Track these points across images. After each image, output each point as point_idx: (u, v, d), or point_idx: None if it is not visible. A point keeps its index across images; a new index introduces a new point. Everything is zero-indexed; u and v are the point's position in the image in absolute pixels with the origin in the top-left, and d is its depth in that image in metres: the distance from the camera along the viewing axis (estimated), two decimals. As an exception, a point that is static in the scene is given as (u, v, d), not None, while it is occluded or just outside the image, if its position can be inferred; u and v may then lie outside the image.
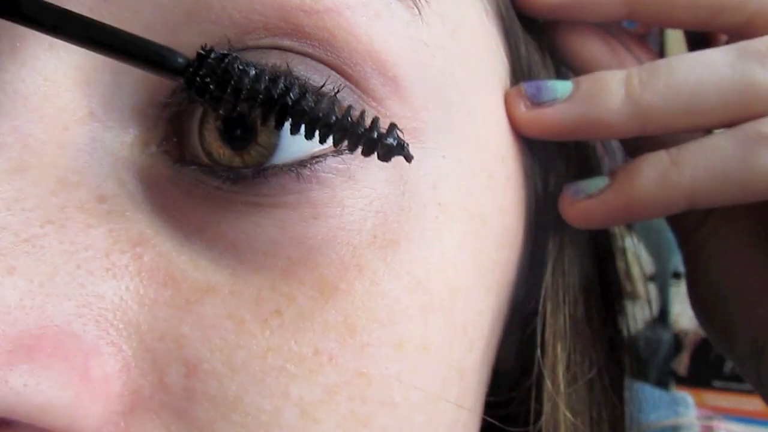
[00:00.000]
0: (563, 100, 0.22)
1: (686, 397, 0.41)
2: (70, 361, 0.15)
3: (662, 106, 0.21)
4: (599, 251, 0.26)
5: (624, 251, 0.29)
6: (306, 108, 0.15)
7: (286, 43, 0.17)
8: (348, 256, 0.17)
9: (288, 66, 0.16)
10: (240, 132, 0.17)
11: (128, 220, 0.16)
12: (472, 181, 0.20)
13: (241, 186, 0.16)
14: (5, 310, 0.14)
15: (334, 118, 0.15)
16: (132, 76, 0.16)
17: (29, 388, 0.14)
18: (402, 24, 0.18)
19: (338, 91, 0.17)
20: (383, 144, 0.15)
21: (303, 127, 0.15)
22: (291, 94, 0.15)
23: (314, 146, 0.17)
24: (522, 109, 0.22)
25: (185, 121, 0.17)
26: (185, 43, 0.16)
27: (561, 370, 0.23)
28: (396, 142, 0.15)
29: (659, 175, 0.21)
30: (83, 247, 0.15)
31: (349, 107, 0.15)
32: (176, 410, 0.16)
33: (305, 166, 0.17)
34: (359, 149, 0.15)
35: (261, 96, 0.15)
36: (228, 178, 0.16)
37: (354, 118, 0.15)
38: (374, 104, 0.17)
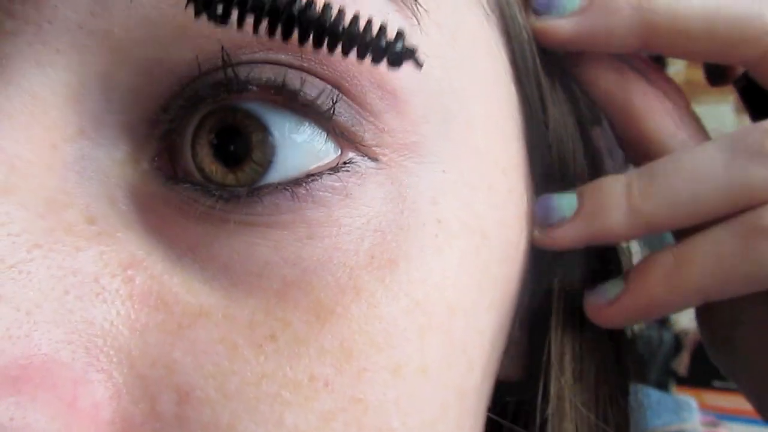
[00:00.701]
0: (570, 219, 0.23)
1: (690, 401, 0.40)
2: (58, 390, 0.14)
3: (663, 213, 0.22)
4: (601, 253, 0.26)
5: (625, 251, 0.28)
6: (313, 17, 0.15)
7: (281, 57, 0.16)
8: (345, 278, 0.17)
9: (283, 79, 0.16)
10: (233, 148, 0.17)
11: (119, 241, 0.16)
12: (472, 195, 0.20)
13: (234, 205, 0.16)
14: None
15: (341, 27, 0.15)
16: (122, 91, 0.16)
17: (15, 421, 0.14)
18: None
19: (335, 103, 0.16)
20: (392, 51, 0.15)
21: (311, 36, 0.15)
22: (296, 4, 0.15)
23: (311, 163, 0.17)
24: (536, 233, 0.23)
25: (177, 137, 0.17)
26: (178, 58, 0.16)
27: (567, 361, 0.24)
28: (404, 47, 0.15)
29: (666, 279, 0.22)
30: (71, 272, 0.15)
31: (356, 16, 0.15)
32: None
33: (300, 184, 0.16)
34: (368, 57, 0.15)
35: (267, 5, 0.14)
36: (221, 197, 0.16)
37: (361, 27, 0.15)
38: (372, 119, 0.17)
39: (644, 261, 0.23)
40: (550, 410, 0.23)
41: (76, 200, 0.16)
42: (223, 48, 0.16)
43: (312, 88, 0.16)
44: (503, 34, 0.22)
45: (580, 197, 0.23)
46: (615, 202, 0.22)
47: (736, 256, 0.21)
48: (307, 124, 0.17)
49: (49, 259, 0.15)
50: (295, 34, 0.15)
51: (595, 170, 0.26)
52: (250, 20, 0.15)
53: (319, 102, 0.16)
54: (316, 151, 0.17)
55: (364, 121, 0.17)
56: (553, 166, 0.24)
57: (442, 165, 0.19)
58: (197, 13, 0.15)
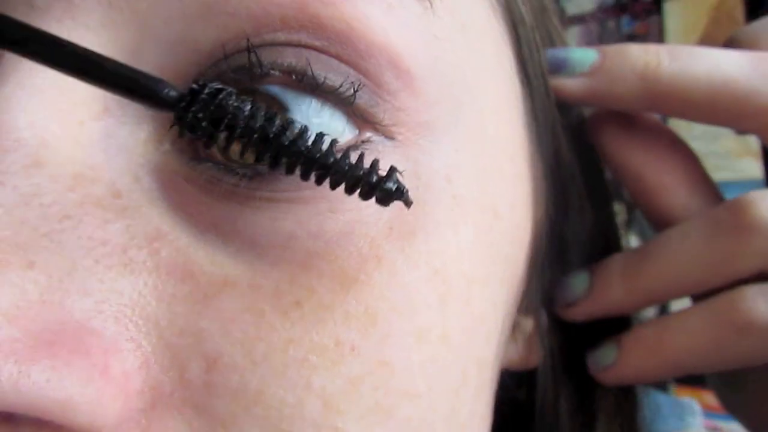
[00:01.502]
0: (583, 298, 0.26)
1: (693, 404, 0.41)
2: (91, 357, 0.14)
3: (656, 288, 0.24)
4: (603, 254, 0.27)
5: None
6: (302, 148, 0.14)
7: (303, 37, 0.16)
8: (366, 248, 0.17)
9: (307, 62, 0.16)
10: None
11: (144, 215, 0.16)
12: (484, 176, 0.20)
13: (258, 182, 0.16)
14: (26, 305, 0.14)
15: (331, 159, 0.14)
16: (149, 68, 0.16)
17: (52, 383, 0.14)
18: (414, 17, 0.18)
19: (356, 91, 0.17)
20: (382, 188, 0.15)
21: (299, 167, 0.14)
22: (287, 133, 0.14)
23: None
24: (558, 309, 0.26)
25: None
26: (202, 37, 0.16)
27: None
28: (395, 186, 0.15)
29: (650, 354, 0.24)
30: (101, 243, 0.15)
31: (348, 149, 0.15)
32: (197, 406, 0.15)
33: None
34: (356, 193, 0.15)
35: (256, 134, 0.14)
36: (245, 176, 0.16)
37: (352, 161, 0.15)
38: (388, 98, 0.17)
39: (631, 332, 0.25)
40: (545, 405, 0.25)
41: (102, 175, 0.16)
42: (247, 36, 0.16)
43: (336, 76, 0.17)
44: (509, 28, 0.23)
45: (591, 277, 0.26)
46: (614, 280, 0.25)
47: (709, 346, 0.22)
48: (327, 108, 0.17)
49: (80, 229, 0.15)
50: (282, 165, 0.14)
51: (594, 169, 0.28)
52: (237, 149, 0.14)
53: (341, 89, 0.17)
54: (335, 131, 0.17)
55: (381, 101, 0.17)
56: (552, 158, 0.25)
57: (454, 145, 0.19)
58: (181, 134, 0.14)
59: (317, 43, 0.16)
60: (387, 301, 0.17)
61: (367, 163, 0.15)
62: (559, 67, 0.24)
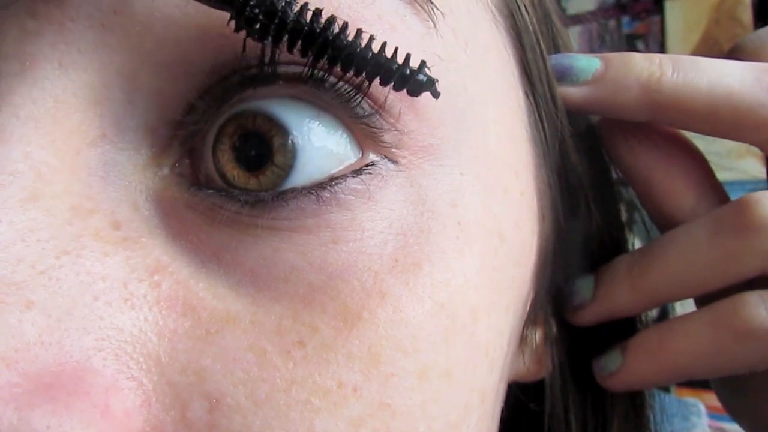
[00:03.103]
0: (589, 301, 0.26)
1: (698, 404, 0.40)
2: (91, 398, 0.14)
3: (661, 288, 0.24)
4: (610, 258, 0.27)
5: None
6: (345, 43, 0.16)
7: (303, 60, 0.16)
8: (370, 282, 0.17)
9: (310, 73, 0.16)
10: (254, 153, 0.17)
11: (144, 246, 0.16)
12: (489, 197, 0.20)
13: (260, 210, 0.16)
14: (25, 348, 0.14)
15: (370, 53, 0.16)
16: (144, 92, 0.16)
17: (52, 429, 0.13)
18: (417, 37, 0.18)
19: (359, 102, 0.17)
20: (415, 80, 0.17)
21: (340, 60, 0.16)
22: (331, 29, 0.16)
23: (333, 167, 0.17)
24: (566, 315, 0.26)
25: (199, 141, 0.17)
26: (199, 59, 0.16)
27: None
28: (426, 78, 0.17)
29: (653, 359, 0.24)
30: (100, 278, 0.15)
31: (384, 44, 0.16)
32: None
33: (324, 187, 0.17)
34: (391, 84, 0.17)
35: (305, 29, 0.16)
36: (247, 202, 0.16)
37: (388, 55, 0.16)
38: (391, 120, 0.17)
39: (635, 338, 0.25)
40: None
41: (101, 206, 0.16)
42: (263, 49, 0.16)
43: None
44: (513, 38, 0.23)
45: (596, 280, 0.26)
46: (620, 282, 0.25)
47: (711, 352, 0.23)
48: (329, 122, 0.17)
49: (78, 265, 0.15)
50: (326, 58, 0.16)
51: (602, 173, 0.28)
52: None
53: (343, 88, 0.17)
54: (338, 154, 0.17)
55: (384, 123, 0.17)
56: (559, 170, 0.25)
57: (459, 168, 0.19)
58: (237, 29, 0.16)
59: (318, 65, 0.16)
60: (390, 339, 0.17)
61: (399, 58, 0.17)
62: (563, 75, 0.24)
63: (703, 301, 0.24)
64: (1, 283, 0.14)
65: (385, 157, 0.17)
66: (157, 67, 0.16)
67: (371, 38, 0.16)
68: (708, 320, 0.23)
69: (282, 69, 0.16)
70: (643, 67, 0.24)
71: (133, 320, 0.15)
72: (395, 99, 0.17)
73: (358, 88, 0.17)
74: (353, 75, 0.16)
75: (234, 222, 0.16)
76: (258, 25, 0.16)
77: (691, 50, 1.56)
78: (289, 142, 0.17)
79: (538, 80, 0.23)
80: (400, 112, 0.17)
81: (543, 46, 0.24)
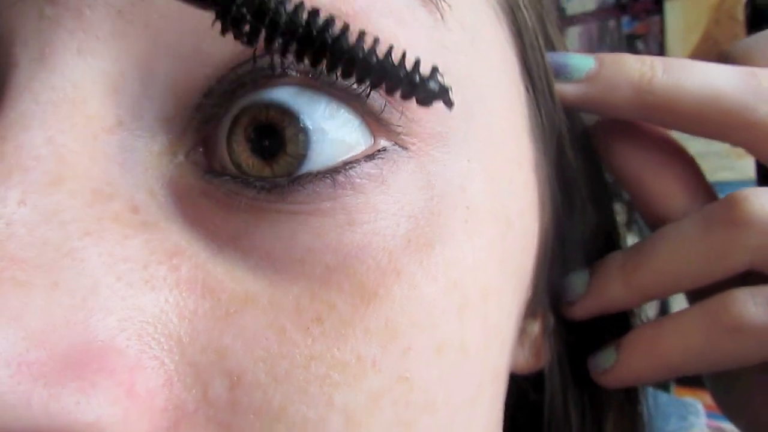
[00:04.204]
0: (583, 295, 0.27)
1: (696, 404, 0.41)
2: (117, 377, 0.14)
3: (652, 284, 0.25)
4: (605, 255, 0.27)
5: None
6: (345, 47, 0.14)
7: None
8: (385, 261, 0.17)
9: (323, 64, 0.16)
10: (267, 143, 0.17)
11: (162, 230, 0.16)
12: (495, 185, 0.20)
13: (277, 195, 0.16)
14: (52, 328, 0.14)
15: (375, 59, 0.14)
16: (160, 81, 0.16)
17: (81, 406, 0.14)
18: (425, 29, 0.18)
19: (367, 95, 0.17)
20: (426, 88, 0.15)
21: (340, 66, 0.14)
22: (330, 31, 0.14)
23: (344, 154, 0.17)
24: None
25: (213, 130, 0.17)
26: (215, 49, 0.16)
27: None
28: (438, 86, 0.15)
29: (646, 355, 0.25)
30: (121, 259, 0.15)
31: (391, 47, 0.14)
32: (221, 424, 0.15)
33: (339, 172, 0.17)
34: (398, 92, 0.15)
35: (300, 30, 0.14)
36: (263, 188, 0.16)
37: (395, 60, 0.14)
38: (401, 108, 0.17)
39: (631, 334, 0.26)
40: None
41: (120, 191, 0.16)
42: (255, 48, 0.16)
43: (350, 79, 0.17)
44: (513, 34, 0.23)
45: (590, 275, 0.26)
46: (613, 277, 0.26)
47: (702, 347, 0.23)
48: (342, 110, 0.17)
49: (100, 246, 0.15)
50: (324, 64, 0.14)
51: (596, 172, 0.28)
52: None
53: (354, 86, 0.16)
54: (350, 142, 0.17)
55: (394, 111, 0.17)
56: (557, 165, 0.25)
57: (466, 155, 0.19)
58: (224, 31, 0.14)
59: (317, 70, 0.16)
60: (407, 315, 0.17)
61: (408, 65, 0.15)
62: (558, 72, 0.25)
63: (695, 298, 0.25)
64: (27, 265, 0.14)
65: (396, 143, 0.18)
66: (174, 56, 0.16)
67: (376, 41, 0.14)
68: (699, 316, 0.23)
69: (291, 62, 0.16)
70: (635, 67, 0.24)
71: (154, 301, 0.15)
72: None
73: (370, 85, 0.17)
74: (356, 82, 0.14)
75: (250, 207, 0.16)
76: (246, 27, 0.14)
77: (691, 50, 1.55)
78: (302, 131, 0.17)
79: (537, 76, 0.24)
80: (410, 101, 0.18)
81: (541, 43, 0.25)
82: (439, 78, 0.15)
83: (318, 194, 0.16)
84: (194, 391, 0.15)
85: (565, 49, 0.27)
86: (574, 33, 1.71)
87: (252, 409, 0.15)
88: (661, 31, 1.64)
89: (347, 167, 0.17)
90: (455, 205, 0.19)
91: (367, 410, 0.16)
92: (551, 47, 0.26)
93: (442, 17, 0.19)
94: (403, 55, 0.15)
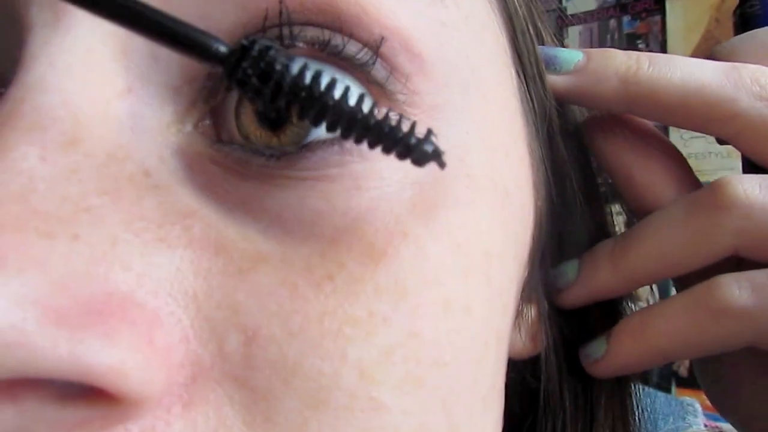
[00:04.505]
0: (573, 283, 0.27)
1: (694, 403, 0.41)
2: (138, 328, 0.15)
3: (640, 269, 0.25)
4: (591, 241, 0.28)
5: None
6: (345, 109, 0.15)
7: (320, 19, 0.17)
8: (392, 223, 0.17)
9: (329, 38, 0.17)
10: (275, 114, 0.17)
11: (174, 193, 0.16)
12: (493, 157, 0.21)
13: (286, 161, 0.17)
14: (75, 276, 0.14)
15: (373, 121, 0.15)
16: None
17: (105, 349, 0.14)
18: (423, 4, 0.19)
19: (373, 63, 0.17)
20: (421, 150, 0.15)
21: (340, 126, 0.15)
22: (332, 93, 0.14)
23: None
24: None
25: (221, 102, 0.17)
26: (222, 16, 0.17)
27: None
28: (432, 148, 0.15)
29: (635, 342, 0.25)
30: (138, 218, 0.15)
31: (389, 110, 0.15)
32: (237, 379, 0.15)
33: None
34: (393, 153, 0.15)
35: (303, 93, 0.14)
36: (272, 156, 0.17)
37: (393, 123, 0.15)
38: (403, 80, 0.18)
39: (620, 323, 0.26)
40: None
41: (132, 154, 0.16)
42: (281, 7, 0.16)
43: (353, 45, 0.17)
44: (505, 20, 0.24)
45: (580, 263, 0.27)
46: (602, 263, 0.26)
47: (689, 332, 0.24)
48: (347, 81, 0.18)
49: (117, 204, 0.15)
50: (324, 123, 0.15)
51: (583, 160, 0.29)
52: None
53: (359, 56, 0.17)
54: None
55: (396, 82, 0.18)
56: (547, 148, 0.26)
57: (464, 128, 0.20)
58: (229, 88, 0.15)
59: (336, 26, 0.17)
60: (415, 273, 0.17)
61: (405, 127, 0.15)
62: (547, 64, 0.26)
63: (684, 286, 0.25)
64: (49, 217, 0.14)
65: (399, 113, 0.18)
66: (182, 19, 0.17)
67: (374, 104, 0.15)
68: (686, 302, 0.24)
69: (300, 33, 0.17)
70: (621, 60, 0.25)
71: (170, 259, 0.16)
72: (405, 60, 0.18)
73: (375, 53, 0.17)
74: (354, 142, 0.15)
75: (260, 174, 0.17)
76: (249, 88, 0.14)
77: (692, 50, 1.56)
78: (333, 78, 0.17)
79: (527, 61, 0.25)
80: (410, 73, 0.18)
81: (532, 31, 0.26)
82: (433, 139, 0.15)
83: (325, 161, 0.17)
84: (210, 346, 0.15)
85: (553, 42, 0.28)
86: (574, 32, 1.71)
87: (267, 364, 0.16)
88: (662, 30, 1.64)
89: None
90: (456, 174, 0.19)
91: (379, 365, 0.16)
92: (541, 39, 0.27)
93: None
94: (400, 119, 0.15)
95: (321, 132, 0.17)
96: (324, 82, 0.14)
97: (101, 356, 0.14)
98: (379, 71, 0.18)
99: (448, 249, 0.18)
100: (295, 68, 0.14)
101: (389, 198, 0.17)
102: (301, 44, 0.17)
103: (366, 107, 0.15)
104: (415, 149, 0.15)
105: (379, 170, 0.17)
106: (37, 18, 0.16)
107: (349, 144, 0.17)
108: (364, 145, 0.16)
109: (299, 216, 0.17)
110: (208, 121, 0.17)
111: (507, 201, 0.21)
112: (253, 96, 0.14)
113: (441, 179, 0.19)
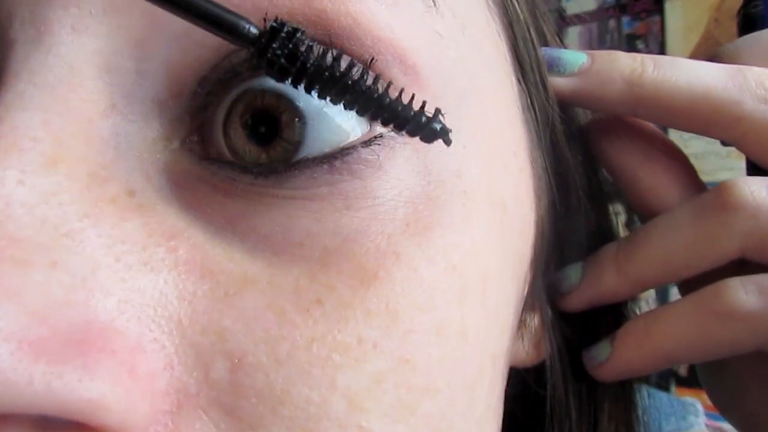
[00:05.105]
0: (577, 287, 0.27)
1: (696, 404, 0.41)
2: (118, 357, 0.14)
3: (645, 272, 0.25)
4: (595, 245, 0.28)
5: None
6: (363, 88, 0.16)
7: (311, 32, 0.17)
8: (384, 244, 0.17)
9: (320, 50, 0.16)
10: (264, 130, 0.17)
11: (159, 213, 0.16)
12: (491, 171, 0.21)
13: (274, 180, 0.17)
14: (52, 306, 0.14)
15: (387, 100, 0.16)
16: (153, 61, 0.16)
17: (84, 383, 0.14)
18: (418, 14, 0.19)
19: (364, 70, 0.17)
20: (430, 128, 0.17)
21: (357, 105, 0.16)
22: (351, 74, 0.16)
23: (341, 140, 0.17)
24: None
25: (209, 117, 0.17)
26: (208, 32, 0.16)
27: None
28: (440, 126, 0.17)
29: (640, 345, 0.25)
30: (120, 241, 0.15)
31: (402, 90, 0.17)
32: (224, 406, 0.15)
33: (336, 157, 0.17)
34: (405, 130, 0.17)
35: (326, 73, 0.16)
36: (260, 174, 0.17)
37: (405, 102, 0.17)
38: (396, 93, 0.17)
39: (625, 326, 0.26)
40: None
41: (115, 174, 0.16)
42: (265, 19, 0.16)
43: (343, 61, 0.17)
44: (505, 26, 0.24)
45: (584, 266, 0.27)
46: (607, 266, 0.26)
47: (695, 336, 0.23)
48: None
49: (99, 228, 0.15)
50: (342, 102, 0.16)
51: (590, 165, 0.29)
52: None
53: (351, 72, 0.16)
54: (346, 128, 0.17)
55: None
56: (550, 154, 0.26)
57: (461, 141, 0.19)
58: (257, 67, 0.16)
59: (327, 41, 0.17)
60: (407, 297, 0.17)
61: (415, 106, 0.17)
62: (551, 65, 0.26)
63: (688, 291, 0.25)
64: (26, 243, 0.14)
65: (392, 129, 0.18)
66: (167, 35, 0.16)
67: (389, 84, 0.16)
68: (692, 305, 0.24)
69: None
70: (626, 63, 0.25)
71: (154, 283, 0.15)
72: (399, 72, 0.18)
73: (367, 67, 0.17)
74: (369, 119, 0.16)
75: (247, 193, 0.17)
76: (277, 68, 0.16)
77: (691, 50, 1.56)
78: (298, 117, 0.17)
79: (529, 68, 0.24)
80: (404, 86, 0.18)
81: (534, 36, 0.25)
82: (441, 119, 0.17)
83: (315, 180, 0.17)
84: (196, 373, 0.15)
85: (558, 44, 0.28)
86: (574, 33, 1.72)
87: (254, 392, 0.15)
88: (662, 31, 1.64)
89: (344, 153, 0.17)
90: (452, 191, 0.19)
91: (369, 393, 0.16)
92: (544, 42, 0.27)
93: (434, 3, 0.19)
94: (412, 97, 0.17)
95: (311, 149, 0.17)
96: (343, 64, 0.16)
97: (79, 390, 0.13)
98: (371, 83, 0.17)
99: (443, 271, 0.18)
100: (318, 50, 0.16)
101: (382, 217, 0.17)
102: None
103: (381, 87, 0.16)
104: (425, 127, 0.17)
105: (371, 189, 0.17)
106: (18, 34, 0.16)
107: (339, 162, 0.17)
108: (354, 164, 0.17)
109: (288, 236, 0.16)
110: (195, 137, 0.17)
111: (505, 217, 0.21)
112: (281, 76, 0.16)
113: (436, 197, 0.18)
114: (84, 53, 0.16)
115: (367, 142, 0.17)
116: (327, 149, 0.17)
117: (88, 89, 0.16)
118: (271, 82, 0.17)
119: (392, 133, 0.18)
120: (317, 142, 0.17)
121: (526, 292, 0.24)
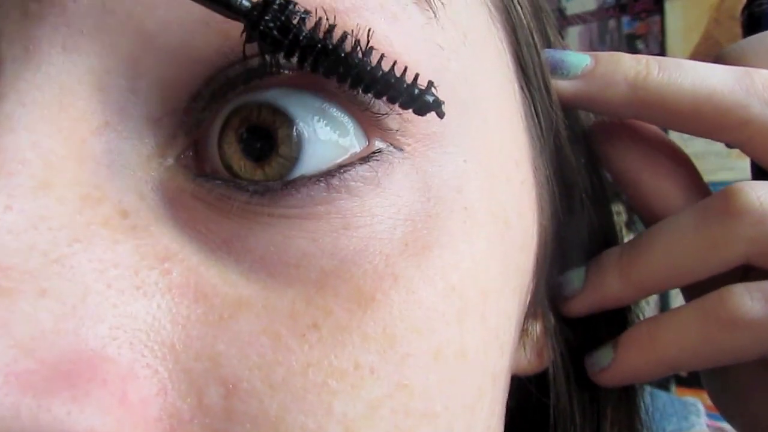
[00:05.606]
0: (580, 291, 0.26)
1: (697, 403, 0.41)
2: (109, 386, 0.14)
3: (648, 277, 0.25)
4: (598, 249, 0.28)
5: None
6: (356, 60, 0.16)
7: None
8: (382, 265, 0.17)
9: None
10: (259, 145, 0.17)
11: (153, 234, 0.16)
12: (493, 184, 0.20)
13: (269, 198, 0.16)
14: (41, 336, 0.14)
15: (380, 72, 0.16)
16: (146, 77, 0.16)
17: (72, 416, 0.13)
18: (418, 27, 0.18)
19: (358, 93, 0.17)
20: (422, 100, 0.17)
21: (350, 78, 0.16)
22: (343, 46, 0.16)
23: (338, 156, 0.17)
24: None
25: (204, 132, 0.17)
26: (204, 45, 0.16)
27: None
28: (433, 98, 0.17)
29: (643, 351, 0.25)
30: (112, 265, 0.15)
31: (395, 62, 0.17)
32: None
33: (333, 175, 0.17)
34: (398, 102, 0.17)
35: (318, 45, 0.16)
36: (256, 192, 0.16)
37: (398, 73, 0.17)
38: (395, 107, 0.18)
39: (626, 332, 0.26)
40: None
41: (108, 195, 0.16)
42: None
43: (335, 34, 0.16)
44: (508, 32, 0.23)
45: (587, 271, 0.27)
46: (610, 271, 0.26)
47: (699, 342, 0.23)
48: (334, 111, 0.17)
49: (90, 252, 0.15)
50: (336, 75, 0.16)
51: (594, 170, 0.28)
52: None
53: (344, 44, 0.16)
54: (343, 144, 0.17)
55: (389, 110, 0.17)
56: (555, 163, 0.25)
57: (462, 155, 0.19)
58: (250, 40, 0.16)
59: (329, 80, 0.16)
60: (405, 320, 0.17)
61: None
62: (554, 68, 0.25)
63: (692, 297, 0.25)
64: (14, 271, 0.14)
65: (391, 144, 0.18)
66: (161, 51, 0.16)
67: (382, 56, 0.16)
68: (696, 312, 0.23)
69: (285, 62, 0.16)
70: (630, 65, 0.25)
71: (146, 308, 0.15)
72: None
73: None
74: (362, 92, 0.17)
75: (243, 211, 0.16)
76: (270, 40, 0.16)
77: (691, 50, 1.57)
78: (294, 133, 0.17)
79: (532, 73, 0.24)
80: None
81: (537, 41, 0.25)
82: (434, 91, 0.17)
83: (312, 198, 0.16)
84: (189, 399, 0.15)
85: (562, 47, 0.27)
86: (574, 33, 1.72)
87: (248, 418, 0.15)
88: (662, 31, 1.65)
89: (341, 170, 0.17)
90: (452, 207, 0.18)
91: (365, 419, 0.16)
92: (548, 45, 0.26)
93: (434, 15, 0.19)
94: (405, 69, 0.17)
95: (307, 165, 0.17)
96: (336, 35, 0.16)
97: (68, 423, 0.13)
98: (368, 96, 0.17)
99: (442, 292, 0.18)
100: (309, 23, 0.16)
101: (380, 237, 0.17)
102: (286, 71, 0.17)
103: (374, 59, 0.16)
104: (417, 99, 0.17)
105: (369, 207, 0.17)
106: (6, 52, 0.16)
107: (336, 181, 0.17)
108: (351, 182, 0.17)
109: (284, 257, 0.16)
110: (190, 152, 0.17)
111: (507, 231, 0.20)
112: (272, 49, 0.16)
113: (436, 214, 0.18)
114: (76, 72, 0.16)
115: (365, 159, 0.17)
116: (324, 166, 0.17)
117: (80, 108, 0.16)
118: (267, 96, 0.17)
119: (391, 147, 0.18)
120: (314, 158, 0.17)
121: (528, 302, 0.24)
